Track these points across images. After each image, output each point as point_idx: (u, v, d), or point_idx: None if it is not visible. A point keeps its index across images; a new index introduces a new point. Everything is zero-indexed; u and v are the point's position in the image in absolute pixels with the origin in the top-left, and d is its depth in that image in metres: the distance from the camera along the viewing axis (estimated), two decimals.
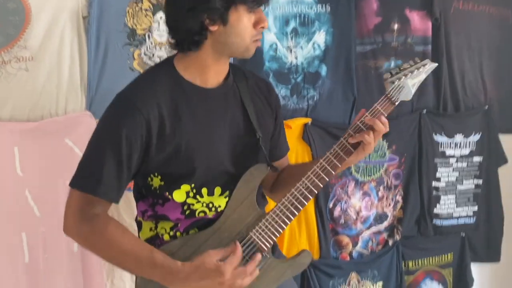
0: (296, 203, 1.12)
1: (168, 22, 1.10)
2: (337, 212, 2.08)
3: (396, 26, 2.11)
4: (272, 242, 1.13)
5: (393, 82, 1.10)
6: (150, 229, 1.16)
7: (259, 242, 1.11)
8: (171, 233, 1.14)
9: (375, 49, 2.08)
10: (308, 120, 1.97)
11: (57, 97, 1.66)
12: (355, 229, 2.12)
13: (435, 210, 2.25)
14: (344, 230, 2.10)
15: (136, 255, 1.06)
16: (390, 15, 2.09)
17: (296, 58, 1.94)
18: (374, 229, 2.16)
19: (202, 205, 1.13)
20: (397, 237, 2.20)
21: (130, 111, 1.05)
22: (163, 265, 1.05)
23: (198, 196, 1.11)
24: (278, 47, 1.91)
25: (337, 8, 1.97)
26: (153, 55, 1.75)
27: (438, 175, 2.24)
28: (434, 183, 2.24)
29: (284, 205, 1.12)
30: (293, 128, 1.93)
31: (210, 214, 1.14)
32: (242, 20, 1.04)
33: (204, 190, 1.11)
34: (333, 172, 1.14)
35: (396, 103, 1.12)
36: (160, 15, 1.74)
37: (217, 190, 1.13)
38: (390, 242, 2.19)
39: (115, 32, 1.69)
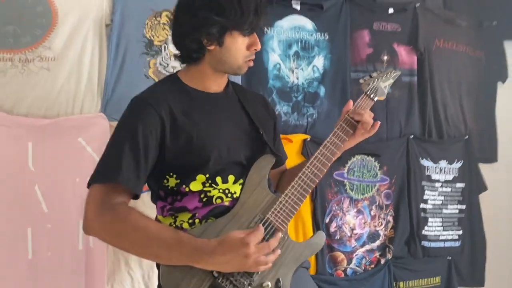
0: (308, 181, 1.21)
1: (173, 39, 1.24)
2: (332, 227, 2.15)
3: (385, 58, 2.31)
4: (288, 222, 1.20)
5: (368, 84, 1.32)
6: (170, 224, 1.20)
7: (276, 223, 1.17)
8: (190, 222, 1.18)
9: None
10: (307, 137, 2.09)
11: (74, 98, 1.72)
12: (350, 246, 2.18)
13: (423, 232, 2.35)
14: (339, 247, 2.16)
15: (162, 236, 1.09)
16: (380, 48, 2.29)
17: (297, 78, 2.09)
18: (367, 247, 2.23)
19: (219, 191, 1.19)
20: (389, 256, 2.26)
21: (144, 108, 1.15)
22: (190, 242, 1.08)
23: (213, 185, 1.18)
24: (282, 67, 2.07)
25: (335, 37, 2.16)
26: (167, 65, 1.86)
27: (425, 197, 2.36)
28: (422, 205, 2.35)
29: (295, 188, 1.21)
30: (294, 142, 2.04)
31: (227, 201, 1.20)
32: (236, 43, 1.18)
33: (218, 179, 1.18)
34: (337, 152, 1.25)
35: (375, 99, 1.31)
36: None
37: (231, 178, 1.20)
38: (382, 261, 2.25)
39: (134, 41, 1.81)
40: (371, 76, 1.35)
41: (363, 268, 2.22)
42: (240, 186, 1.22)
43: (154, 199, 1.26)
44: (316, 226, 2.08)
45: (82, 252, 1.68)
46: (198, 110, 1.20)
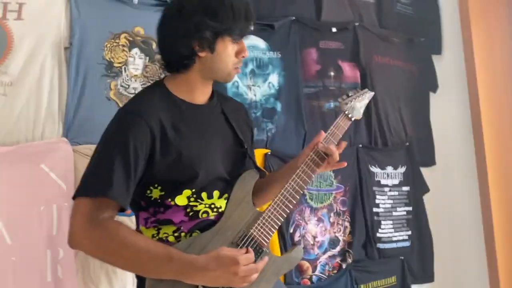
0: (286, 201, 1.28)
1: (161, 45, 1.25)
2: (296, 237, 2.22)
3: (332, 73, 2.46)
4: (270, 238, 1.26)
5: (346, 104, 1.44)
6: (153, 236, 1.21)
7: (259, 238, 1.22)
8: (175, 235, 1.20)
9: (318, 91, 2.39)
10: (268, 151, 2.16)
11: (34, 123, 1.67)
12: (314, 254, 2.26)
13: (378, 234, 2.49)
14: (304, 255, 2.23)
15: (152, 251, 1.09)
16: (327, 64, 2.44)
17: (255, 95, 2.17)
18: (329, 253, 2.32)
19: (205, 206, 1.22)
20: (349, 261, 2.37)
21: (135, 120, 1.15)
22: (180, 258, 1.09)
23: (199, 200, 1.21)
24: (240, 85, 2.13)
25: (286, 55, 2.28)
26: (128, 86, 1.85)
27: (377, 201, 2.51)
28: (374, 209, 2.49)
29: (277, 204, 1.27)
30: (256, 157, 2.10)
31: (212, 215, 1.22)
32: (227, 49, 1.22)
33: (204, 194, 1.21)
34: (312, 175, 1.33)
35: (352, 119, 1.43)
36: (136, 51, 1.88)
37: (216, 193, 1.23)
38: (343, 266, 2.36)
39: (94, 63, 1.79)
40: (348, 96, 1.45)
41: (326, 274, 2.30)
42: (225, 201, 1.25)
43: (135, 208, 1.24)
44: (282, 236, 2.15)
45: (51, 285, 1.60)
46: (187, 124, 1.21)
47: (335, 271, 2.33)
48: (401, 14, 2.77)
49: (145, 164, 1.15)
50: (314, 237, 2.28)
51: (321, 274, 2.28)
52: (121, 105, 1.82)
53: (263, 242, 1.22)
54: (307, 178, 1.31)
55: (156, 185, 1.18)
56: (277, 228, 1.26)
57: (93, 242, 1.09)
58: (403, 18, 2.77)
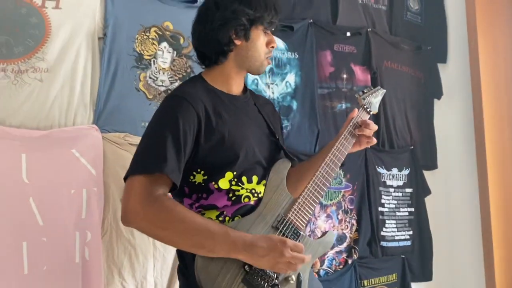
0: (320, 184, 1.36)
1: (199, 37, 1.34)
2: (307, 232, 2.30)
3: (345, 76, 2.55)
4: (306, 221, 1.34)
5: (364, 99, 1.54)
6: None
7: (297, 222, 1.30)
8: (220, 219, 1.26)
9: (330, 92, 2.47)
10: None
11: (67, 110, 1.72)
12: None
13: (382, 233, 2.58)
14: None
15: (209, 226, 1.16)
16: (340, 67, 2.53)
17: (273, 93, 2.25)
18: (336, 249, 2.40)
19: (246, 191, 1.29)
20: (355, 257, 2.46)
21: (184, 104, 1.23)
22: (235, 234, 1.16)
23: (240, 183, 1.28)
24: (259, 82, 2.21)
25: (303, 56, 2.36)
26: (156, 78, 1.91)
27: (382, 201, 2.60)
28: (380, 208, 2.58)
29: (310, 190, 1.35)
30: None
31: (253, 200, 1.30)
32: (260, 38, 1.34)
33: (244, 178, 1.29)
34: (342, 158, 1.43)
35: (371, 113, 1.54)
36: (164, 45, 1.94)
37: (255, 178, 1.31)
38: (349, 262, 2.44)
39: (125, 55, 1.85)
40: (363, 92, 1.56)
41: (333, 269, 2.38)
42: (264, 187, 1.33)
43: (178, 195, 1.30)
44: None
45: (78, 265, 1.65)
46: (226, 111, 1.29)
47: (341, 266, 2.42)
48: (410, 22, 2.87)
49: (193, 144, 1.22)
50: (324, 233, 2.35)
51: (328, 269, 2.36)
52: (149, 96, 1.88)
53: (300, 226, 1.30)
54: (333, 166, 1.40)
55: (199, 170, 1.25)
56: (312, 211, 1.33)
57: (149, 217, 1.14)
58: (412, 26, 2.88)
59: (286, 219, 1.29)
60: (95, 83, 1.78)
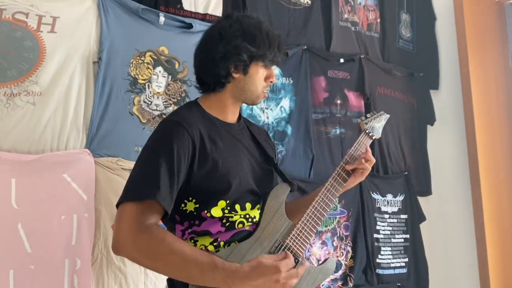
0: (317, 214, 1.34)
1: (200, 65, 1.34)
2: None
3: (339, 101, 2.56)
4: (305, 248, 1.31)
5: (366, 123, 1.54)
6: None
7: (295, 248, 1.27)
8: (215, 244, 1.23)
9: (325, 117, 2.48)
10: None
11: (60, 133, 1.69)
12: None
13: (377, 260, 2.54)
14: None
15: (198, 259, 1.12)
16: (334, 92, 2.54)
17: (267, 118, 2.24)
18: (332, 277, 2.36)
19: (240, 217, 1.26)
20: (350, 285, 2.41)
21: (179, 130, 1.21)
22: (224, 266, 1.12)
23: (233, 211, 1.25)
24: (254, 107, 2.21)
25: (298, 81, 2.37)
26: (151, 102, 1.90)
27: (377, 227, 2.57)
28: (375, 235, 2.56)
29: (310, 216, 1.33)
30: None
31: (247, 226, 1.27)
32: (258, 73, 1.33)
33: (237, 206, 1.26)
34: (340, 189, 1.41)
35: (373, 138, 1.53)
36: (159, 69, 1.94)
37: (248, 205, 1.28)
38: None
39: (120, 79, 1.84)
40: (366, 117, 1.55)
41: None
42: (259, 211, 1.30)
43: (169, 222, 1.27)
44: None
45: None
46: (221, 138, 1.28)
47: None
48: (402, 50, 2.92)
49: (187, 171, 1.20)
50: (318, 260, 2.32)
51: None
52: (143, 121, 1.86)
53: (299, 252, 1.27)
54: (334, 191, 1.39)
55: (190, 198, 1.23)
56: (311, 238, 1.30)
57: (140, 247, 1.11)
58: (404, 53, 2.92)
59: (284, 245, 1.26)
60: (88, 107, 1.76)
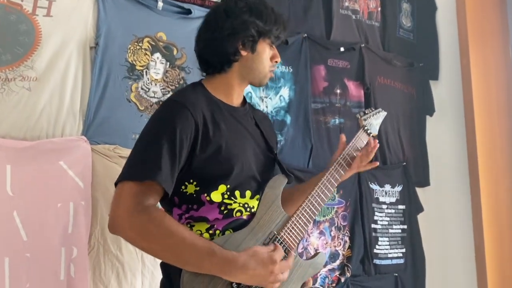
0: (312, 208, 1.34)
1: (205, 44, 1.31)
2: (300, 249, 2.25)
3: (338, 91, 2.53)
4: (298, 241, 1.30)
5: (365, 120, 1.53)
6: None
7: (289, 241, 1.27)
8: (210, 232, 1.22)
9: (324, 107, 2.45)
10: None
11: (56, 120, 1.66)
12: None
13: (375, 250, 2.54)
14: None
15: (195, 243, 1.11)
16: (334, 82, 2.51)
17: (266, 106, 2.22)
18: (329, 266, 2.35)
19: (239, 205, 1.25)
20: (348, 275, 2.41)
21: (182, 111, 1.19)
22: (222, 254, 1.12)
23: (232, 197, 1.24)
24: (253, 96, 2.18)
25: (297, 70, 2.34)
26: (148, 89, 1.87)
27: (375, 218, 2.57)
28: (373, 225, 2.55)
29: (304, 209, 1.32)
30: None
31: (245, 215, 1.26)
32: (265, 51, 1.32)
33: (237, 192, 1.25)
34: (335, 183, 1.41)
35: (371, 135, 1.52)
36: (157, 56, 1.91)
37: (248, 193, 1.27)
38: (342, 279, 2.39)
39: (117, 65, 1.80)
40: (365, 113, 1.54)
41: (326, 287, 2.33)
42: (257, 202, 1.28)
43: (167, 205, 1.25)
44: None
45: (63, 283, 1.58)
46: (225, 121, 1.26)
47: (334, 285, 2.37)
48: (402, 39, 2.89)
49: (188, 154, 1.18)
50: (316, 250, 2.31)
51: (320, 287, 2.31)
52: (141, 108, 1.83)
53: (292, 245, 1.26)
54: (330, 185, 1.38)
55: (191, 180, 1.21)
56: (305, 232, 1.30)
57: (137, 228, 1.09)
58: (404, 43, 2.89)
59: (279, 237, 1.25)
60: (85, 93, 1.73)
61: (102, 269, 1.69)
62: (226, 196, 1.23)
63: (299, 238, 1.29)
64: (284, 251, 1.24)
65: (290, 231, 1.27)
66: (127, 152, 1.70)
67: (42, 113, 1.63)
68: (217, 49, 1.28)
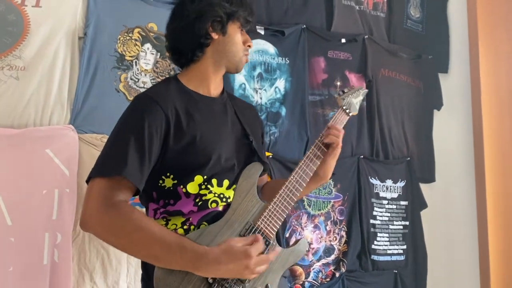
0: (291, 194, 1.30)
1: (174, 34, 1.30)
2: (292, 241, 2.23)
3: (338, 83, 2.49)
4: (275, 230, 1.27)
5: (343, 99, 1.48)
6: None
7: (266, 230, 1.23)
8: (185, 227, 1.20)
9: (323, 99, 2.42)
10: (270, 154, 2.18)
11: (43, 108, 1.70)
12: (308, 260, 2.28)
13: (373, 246, 2.49)
14: (298, 260, 2.24)
15: (165, 238, 1.08)
16: (334, 74, 2.47)
17: (261, 98, 2.20)
18: (323, 261, 2.33)
19: (214, 195, 1.22)
20: (343, 270, 2.38)
21: (151, 105, 1.18)
22: (193, 248, 1.09)
23: (209, 186, 1.21)
24: (246, 87, 2.17)
25: (295, 62, 2.31)
26: (138, 80, 1.89)
27: (374, 213, 2.52)
28: (371, 221, 2.50)
29: (282, 196, 1.28)
30: None
31: (221, 206, 1.23)
32: (237, 34, 1.30)
33: (214, 181, 1.22)
34: (314, 168, 1.36)
35: (350, 114, 1.47)
36: (148, 46, 1.92)
37: (225, 182, 1.24)
38: (337, 275, 2.36)
39: (106, 55, 1.83)
40: (344, 92, 1.49)
41: (319, 281, 2.31)
42: (233, 192, 1.27)
43: (145, 200, 1.25)
44: (277, 240, 2.15)
45: (47, 267, 1.62)
46: (200, 112, 1.24)
47: (328, 279, 2.34)
48: (410, 31, 2.81)
49: (159, 149, 1.17)
50: (310, 244, 2.29)
51: (313, 281, 2.29)
52: (130, 98, 1.85)
53: (270, 234, 1.24)
54: (309, 170, 1.34)
55: (168, 174, 1.20)
56: (282, 220, 1.27)
57: (106, 224, 1.08)
58: (412, 34, 2.81)
59: (256, 227, 1.23)
60: (73, 82, 1.77)
61: (87, 255, 1.72)
62: (203, 187, 1.21)
63: (277, 226, 1.26)
64: (263, 240, 1.22)
65: (267, 219, 1.24)
66: None
67: (30, 102, 1.67)
68: (187, 35, 1.26)
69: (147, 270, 1.20)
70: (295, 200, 1.31)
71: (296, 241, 1.35)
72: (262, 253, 1.16)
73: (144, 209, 1.29)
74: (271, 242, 1.23)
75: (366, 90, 1.57)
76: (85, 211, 1.11)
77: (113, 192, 1.11)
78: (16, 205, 1.60)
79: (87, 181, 1.15)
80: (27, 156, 1.63)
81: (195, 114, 1.23)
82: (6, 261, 1.56)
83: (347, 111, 1.45)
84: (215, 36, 1.27)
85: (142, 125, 1.14)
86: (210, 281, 1.14)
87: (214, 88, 1.33)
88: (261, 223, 1.23)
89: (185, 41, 1.28)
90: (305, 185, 1.33)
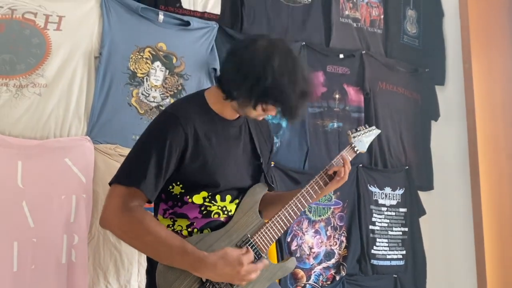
0: (288, 217, 1.45)
1: (228, 69, 1.35)
2: (293, 246, 2.36)
3: (337, 96, 2.63)
4: (269, 246, 1.42)
5: (354, 137, 1.62)
6: (168, 226, 1.39)
7: (260, 245, 1.39)
8: (189, 230, 1.37)
9: (322, 111, 2.56)
10: (271, 163, 2.32)
11: (63, 121, 1.86)
12: (309, 264, 2.40)
13: (372, 251, 2.60)
14: (299, 264, 2.36)
15: (170, 242, 1.26)
16: (333, 87, 2.61)
17: None
18: (324, 264, 2.45)
19: (217, 208, 1.39)
20: (343, 273, 2.49)
21: (175, 124, 1.32)
22: (193, 253, 1.26)
23: (213, 201, 1.38)
24: None
25: None
26: (148, 94, 2.05)
27: (373, 219, 2.63)
28: (370, 227, 2.61)
29: (280, 218, 1.44)
30: None
31: (223, 217, 1.40)
32: (259, 109, 1.33)
33: (218, 197, 1.39)
34: (315, 196, 1.51)
35: (357, 152, 1.62)
36: (157, 64, 2.09)
37: (228, 197, 1.41)
38: (337, 278, 2.47)
39: (119, 73, 1.99)
40: (357, 130, 1.63)
41: (320, 284, 2.42)
42: (235, 206, 1.42)
43: (156, 200, 1.39)
44: (279, 244, 2.29)
45: (64, 266, 1.78)
46: (217, 136, 1.38)
47: (329, 282, 2.45)
48: (407, 45, 2.94)
49: (176, 164, 1.32)
50: (311, 248, 2.41)
51: (314, 284, 2.40)
52: (141, 111, 2.02)
53: (263, 249, 1.39)
54: (309, 197, 1.49)
55: (178, 183, 1.36)
56: (277, 237, 1.43)
57: (121, 225, 1.26)
58: (409, 49, 2.94)
59: (252, 240, 1.38)
60: (90, 98, 1.93)
61: (101, 256, 1.87)
62: (207, 200, 1.37)
63: (271, 242, 1.41)
64: (256, 253, 1.36)
65: (263, 235, 1.40)
66: (126, 151, 1.87)
67: (51, 116, 1.84)
68: (228, 81, 1.32)
69: (152, 264, 1.37)
70: (292, 222, 1.46)
71: (286, 259, 1.51)
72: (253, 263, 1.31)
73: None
74: (263, 256, 1.38)
75: (379, 131, 1.69)
76: (105, 210, 1.29)
77: (130, 198, 1.27)
78: (38, 209, 1.75)
79: (110, 184, 1.31)
80: (48, 164, 1.79)
81: (212, 137, 1.37)
82: (29, 260, 1.71)
83: (355, 148, 1.59)
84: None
85: (164, 144, 1.29)
86: (204, 280, 1.30)
87: (232, 113, 1.42)
88: (257, 237, 1.39)
89: (223, 85, 1.35)
90: (303, 209, 1.48)
